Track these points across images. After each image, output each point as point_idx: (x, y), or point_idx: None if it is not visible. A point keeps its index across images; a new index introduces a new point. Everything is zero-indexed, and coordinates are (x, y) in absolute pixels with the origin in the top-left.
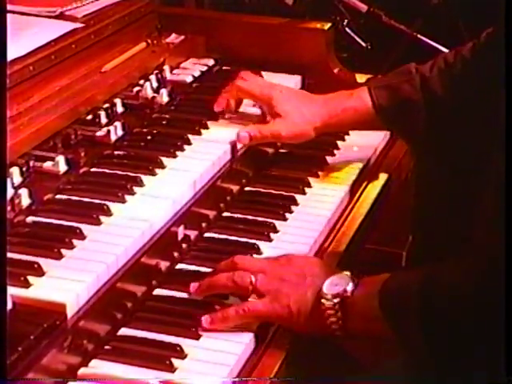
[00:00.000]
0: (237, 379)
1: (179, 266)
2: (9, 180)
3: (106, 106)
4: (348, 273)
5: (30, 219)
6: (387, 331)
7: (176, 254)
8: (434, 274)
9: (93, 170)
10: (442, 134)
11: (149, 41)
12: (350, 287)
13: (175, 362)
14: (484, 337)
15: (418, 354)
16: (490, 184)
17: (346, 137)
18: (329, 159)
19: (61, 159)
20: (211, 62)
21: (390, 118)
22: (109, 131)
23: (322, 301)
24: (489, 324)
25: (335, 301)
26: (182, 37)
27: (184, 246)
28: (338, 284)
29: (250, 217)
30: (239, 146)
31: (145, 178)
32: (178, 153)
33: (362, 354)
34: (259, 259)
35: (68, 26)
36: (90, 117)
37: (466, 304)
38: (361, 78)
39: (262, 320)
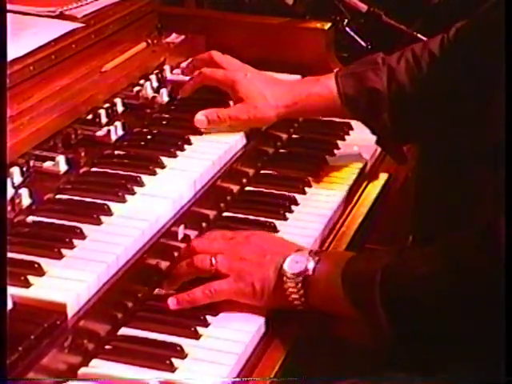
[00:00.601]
0: (237, 379)
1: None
2: (9, 180)
3: (107, 105)
4: (307, 249)
5: (30, 219)
6: (348, 310)
7: (176, 254)
8: (403, 262)
9: (93, 169)
10: (407, 126)
11: (149, 40)
12: (311, 265)
13: (175, 361)
14: (483, 337)
15: (381, 331)
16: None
17: (346, 136)
18: (329, 159)
19: (61, 159)
20: None
21: (355, 106)
22: (109, 131)
23: (284, 279)
24: (487, 324)
25: (297, 280)
26: (183, 36)
27: (184, 246)
28: (298, 261)
29: (250, 217)
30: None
31: (145, 178)
32: (178, 152)
33: (360, 339)
34: (216, 239)
35: (68, 26)
36: (90, 116)
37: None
38: None
39: (227, 298)
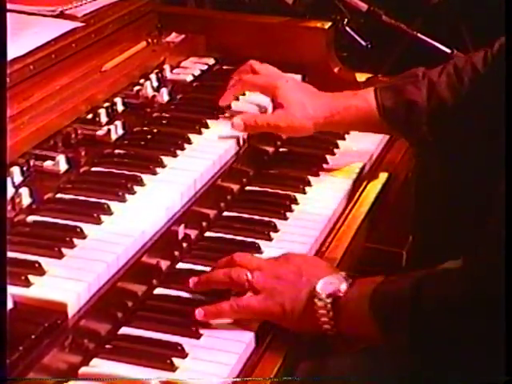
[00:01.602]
0: (237, 379)
1: (180, 265)
2: (9, 179)
3: (107, 105)
4: (343, 273)
5: (30, 218)
6: (376, 335)
7: (176, 254)
8: (425, 279)
9: (93, 169)
10: (445, 139)
11: (149, 40)
12: (343, 287)
13: (176, 361)
14: (483, 339)
15: (408, 359)
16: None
17: (347, 136)
18: (329, 158)
19: (61, 158)
20: (211, 61)
21: (393, 119)
22: (109, 130)
23: (315, 300)
24: (487, 329)
25: (328, 301)
26: (183, 36)
27: (184, 245)
28: (332, 283)
29: (250, 216)
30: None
31: (145, 177)
32: (178, 152)
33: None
34: (258, 257)
35: (68, 25)
36: (90, 116)
37: (459, 311)
38: (361, 77)
39: (255, 316)
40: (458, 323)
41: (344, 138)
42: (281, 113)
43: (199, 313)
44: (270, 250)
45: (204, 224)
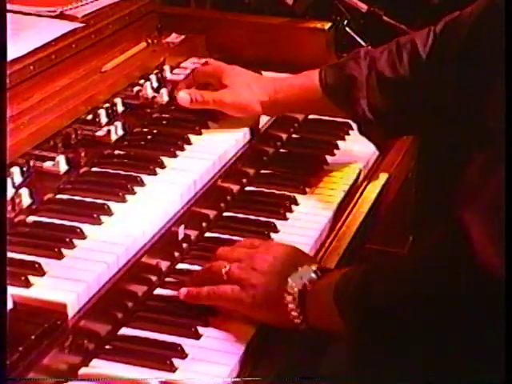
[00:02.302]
0: (237, 379)
1: (180, 265)
2: (9, 180)
3: (107, 105)
4: (317, 265)
5: (30, 219)
6: (339, 325)
7: (176, 254)
8: (375, 270)
9: (93, 169)
10: (386, 115)
11: (149, 40)
12: (312, 280)
13: (176, 361)
14: (483, 337)
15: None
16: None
17: (347, 137)
18: (329, 159)
19: (61, 159)
20: (211, 61)
21: (333, 94)
22: (109, 131)
23: (284, 294)
24: (487, 324)
25: (296, 294)
26: (183, 36)
27: (184, 245)
28: (303, 277)
29: (250, 216)
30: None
31: (145, 178)
32: (178, 152)
33: None
34: (239, 248)
35: (68, 26)
36: (90, 116)
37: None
38: None
39: (229, 305)
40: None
41: (344, 139)
42: (226, 91)
43: (182, 292)
44: None
45: (204, 224)
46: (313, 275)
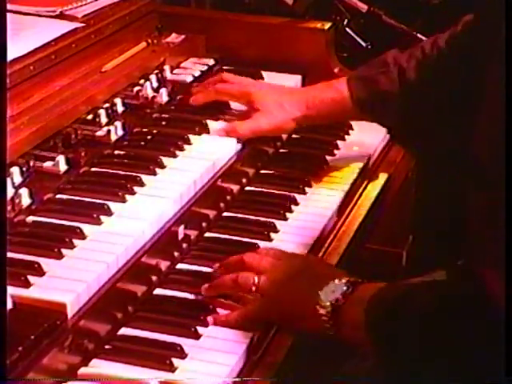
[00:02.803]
0: (237, 379)
1: (179, 265)
2: (9, 180)
3: (107, 105)
4: (348, 278)
5: (30, 219)
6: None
7: (176, 254)
8: (413, 289)
9: (93, 169)
10: (420, 125)
11: (149, 40)
12: (344, 294)
13: (175, 361)
14: (482, 339)
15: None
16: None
17: (346, 136)
18: (329, 159)
19: (61, 159)
20: (211, 61)
21: (368, 109)
22: (109, 131)
23: (317, 307)
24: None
25: (329, 309)
26: (183, 36)
27: (184, 245)
28: (335, 291)
29: (250, 216)
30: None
31: (145, 178)
32: (178, 152)
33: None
34: (266, 257)
35: (68, 26)
36: (90, 116)
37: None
38: None
39: (261, 321)
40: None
41: (344, 139)
42: (260, 116)
43: (210, 320)
44: None
45: (204, 224)
46: (345, 288)
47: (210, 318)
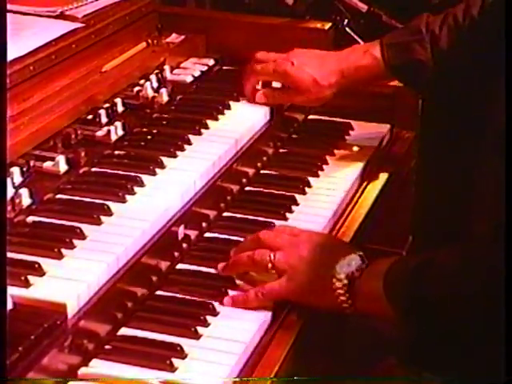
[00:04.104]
0: (237, 379)
1: (179, 265)
2: (9, 180)
3: (107, 105)
4: (361, 252)
5: (30, 219)
6: (390, 313)
7: (176, 254)
8: (432, 257)
9: (93, 169)
10: (450, 92)
11: (149, 40)
12: (360, 267)
13: (175, 361)
14: (484, 336)
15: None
16: (490, 182)
17: (346, 137)
18: (329, 159)
19: (61, 159)
20: (211, 61)
21: (402, 76)
22: (109, 131)
23: (333, 280)
24: (488, 322)
25: (345, 281)
26: (183, 37)
27: (184, 245)
28: (350, 264)
29: (250, 217)
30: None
31: (145, 178)
32: (178, 153)
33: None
34: (282, 235)
35: (68, 26)
36: (90, 116)
37: (462, 292)
38: None
39: (279, 299)
40: (456, 317)
41: (344, 139)
42: (295, 95)
43: (227, 300)
44: None
45: (204, 225)
46: (360, 262)
47: (227, 299)
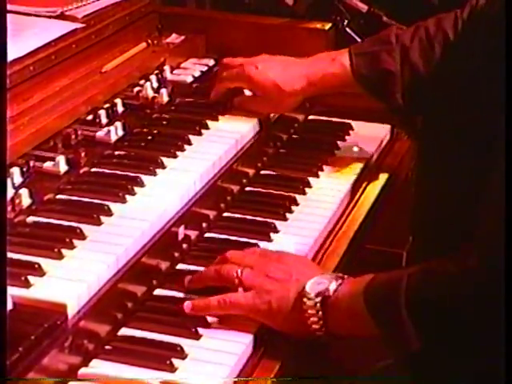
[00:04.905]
0: (237, 379)
1: (179, 266)
2: (9, 180)
3: (107, 106)
4: (333, 273)
5: (30, 219)
6: (371, 330)
7: (176, 254)
8: (428, 269)
9: (93, 170)
10: (419, 104)
11: (149, 41)
12: (332, 286)
13: (175, 362)
14: (483, 336)
15: (407, 347)
16: (492, 182)
17: (347, 137)
18: (329, 159)
19: (61, 159)
20: (211, 62)
21: (368, 86)
22: (109, 131)
23: (304, 299)
24: (488, 323)
25: (317, 300)
26: (183, 37)
27: (184, 246)
28: (321, 283)
29: (250, 217)
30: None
31: (145, 178)
32: (178, 153)
33: (349, 356)
34: (250, 255)
35: (68, 26)
36: (90, 117)
37: (460, 302)
38: None
39: (242, 313)
40: (451, 307)
41: (344, 139)
42: (260, 102)
43: (187, 306)
44: None
45: (204, 225)
46: (333, 281)
47: (187, 304)
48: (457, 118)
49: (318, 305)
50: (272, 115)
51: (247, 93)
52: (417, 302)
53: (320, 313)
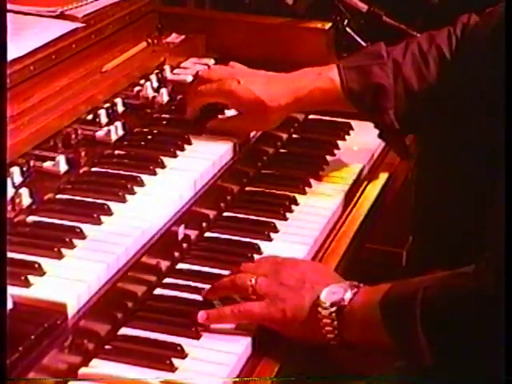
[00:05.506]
0: (237, 379)
1: (180, 265)
2: (9, 180)
3: (107, 105)
4: (348, 282)
5: (30, 219)
6: (386, 341)
7: (176, 254)
8: (445, 283)
9: (93, 169)
10: (412, 121)
11: (149, 40)
12: (347, 296)
13: (176, 361)
14: (484, 337)
15: (421, 361)
16: (497, 188)
17: (347, 136)
18: (329, 159)
19: (61, 159)
20: (211, 61)
21: (360, 102)
22: (109, 131)
23: (319, 309)
24: (489, 325)
25: (332, 310)
26: (183, 36)
27: (184, 245)
28: (336, 292)
29: (250, 216)
30: None
31: (145, 178)
32: (178, 152)
33: (352, 362)
34: (264, 263)
35: (68, 26)
36: (90, 116)
37: (475, 319)
38: None
39: (257, 322)
40: (466, 324)
41: (344, 139)
42: (242, 119)
43: (201, 316)
44: (269, 250)
45: (204, 224)
46: (348, 291)
47: (201, 314)
48: (455, 131)
49: (334, 314)
50: None
51: (228, 113)
52: (432, 320)
53: (335, 322)
